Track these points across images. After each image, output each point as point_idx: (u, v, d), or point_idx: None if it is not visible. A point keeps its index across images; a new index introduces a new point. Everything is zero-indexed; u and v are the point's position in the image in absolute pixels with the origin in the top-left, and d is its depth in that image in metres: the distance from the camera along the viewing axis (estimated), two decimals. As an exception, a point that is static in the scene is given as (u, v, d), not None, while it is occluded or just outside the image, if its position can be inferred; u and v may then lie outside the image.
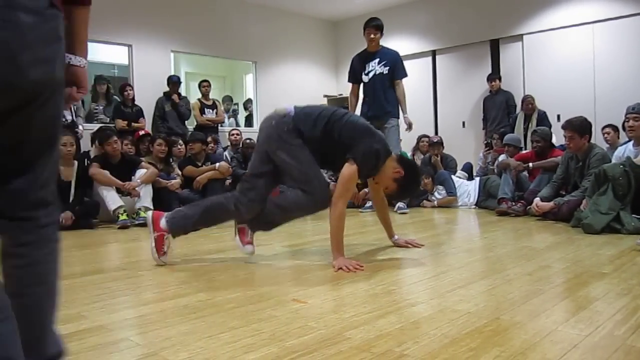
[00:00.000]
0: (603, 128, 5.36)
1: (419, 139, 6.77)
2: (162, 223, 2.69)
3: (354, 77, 5.31)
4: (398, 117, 5.17)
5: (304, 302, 1.95)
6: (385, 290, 2.12)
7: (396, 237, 3.16)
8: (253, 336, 1.57)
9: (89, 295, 2.13)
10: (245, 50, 8.43)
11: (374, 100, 5.13)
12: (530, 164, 4.94)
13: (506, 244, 3.29)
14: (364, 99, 5.27)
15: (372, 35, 5.11)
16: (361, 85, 5.30)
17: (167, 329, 1.66)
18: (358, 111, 5.14)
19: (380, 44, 5.21)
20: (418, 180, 2.89)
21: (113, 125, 6.30)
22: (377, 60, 5.15)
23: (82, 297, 2.11)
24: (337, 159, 2.67)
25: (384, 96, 5.11)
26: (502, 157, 5.53)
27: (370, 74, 5.17)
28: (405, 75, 5.26)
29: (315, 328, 1.64)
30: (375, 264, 2.66)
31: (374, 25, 5.12)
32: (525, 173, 5.03)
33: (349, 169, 2.58)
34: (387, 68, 5.11)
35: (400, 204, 5.10)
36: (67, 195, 4.57)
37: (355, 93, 5.32)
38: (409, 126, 5.22)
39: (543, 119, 6.47)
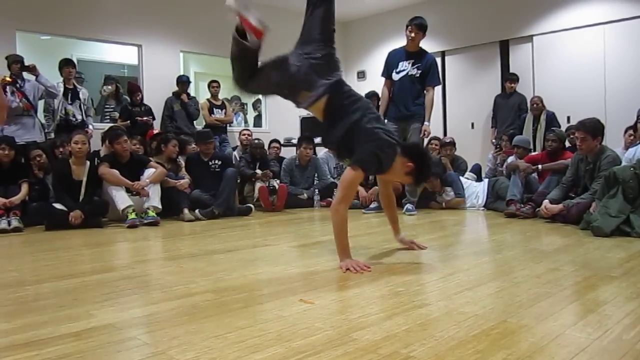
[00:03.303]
0: (626, 130, 5.28)
1: (429, 140, 6.73)
2: None
3: (387, 72, 5.17)
4: (423, 122, 5.00)
5: (311, 302, 1.95)
6: (392, 291, 2.12)
7: (402, 235, 3.15)
8: (260, 336, 1.58)
9: (97, 294, 2.15)
10: (255, 51, 8.42)
11: (401, 101, 5.01)
12: (540, 166, 4.91)
13: (514, 246, 3.27)
14: (391, 98, 5.12)
15: (412, 34, 4.95)
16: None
17: (174, 328, 1.67)
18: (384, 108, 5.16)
19: (420, 45, 5.06)
20: (429, 162, 2.83)
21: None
22: (411, 61, 5.01)
23: (90, 296, 2.12)
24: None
25: (411, 98, 4.98)
26: (511, 159, 5.51)
27: (401, 74, 5.03)
28: (439, 83, 5.11)
29: (322, 329, 1.64)
30: (383, 266, 2.65)
31: (416, 24, 4.95)
32: (535, 175, 5.00)
33: (350, 174, 2.59)
34: (420, 72, 4.97)
35: (408, 206, 5.08)
36: (77, 194, 4.61)
37: (388, 87, 5.17)
38: (425, 134, 5.06)
39: (552, 120, 6.43)
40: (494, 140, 7.03)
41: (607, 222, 3.47)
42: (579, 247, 3.09)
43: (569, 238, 3.46)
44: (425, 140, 5.37)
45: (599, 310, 1.80)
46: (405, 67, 5.03)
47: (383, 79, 5.25)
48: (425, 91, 5.04)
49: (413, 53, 5.05)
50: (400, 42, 5.24)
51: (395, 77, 5.07)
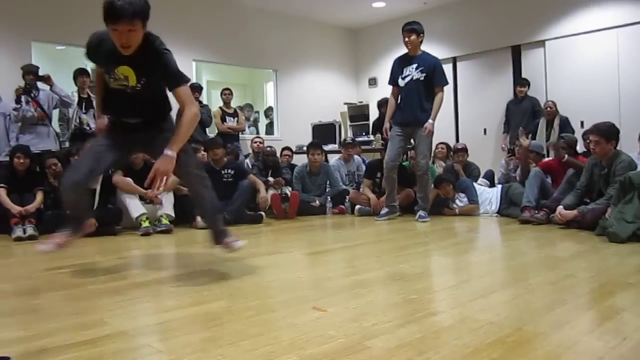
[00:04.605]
0: None
1: (437, 146, 6.69)
2: None
3: (393, 79, 5.20)
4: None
5: (324, 310, 1.94)
6: (405, 299, 2.10)
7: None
8: (273, 344, 1.57)
9: (111, 302, 2.16)
10: (266, 59, 8.50)
11: (407, 106, 5.01)
12: (566, 155, 4.84)
13: (528, 252, 3.24)
14: (398, 104, 5.15)
15: (406, 39, 5.00)
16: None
17: (187, 336, 1.68)
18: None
19: (422, 48, 5.08)
20: None
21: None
22: (414, 65, 5.02)
23: (104, 303, 2.13)
24: None
25: (418, 103, 4.99)
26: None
27: (406, 79, 5.05)
28: (445, 82, 5.10)
29: (335, 337, 1.63)
30: (396, 272, 2.64)
31: (408, 29, 5.00)
32: (549, 180, 4.96)
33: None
34: (424, 75, 4.98)
35: (421, 213, 5.05)
36: (91, 202, 4.64)
37: (395, 95, 5.20)
38: (427, 132, 4.97)
39: (565, 124, 6.37)
40: (504, 146, 6.98)
41: (623, 228, 3.43)
42: (595, 254, 3.06)
43: (584, 244, 3.42)
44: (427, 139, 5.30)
45: (616, 317, 1.77)
46: (410, 72, 5.05)
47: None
48: (434, 93, 5.04)
49: (415, 57, 5.07)
50: (411, 48, 5.23)
51: (402, 82, 5.09)
